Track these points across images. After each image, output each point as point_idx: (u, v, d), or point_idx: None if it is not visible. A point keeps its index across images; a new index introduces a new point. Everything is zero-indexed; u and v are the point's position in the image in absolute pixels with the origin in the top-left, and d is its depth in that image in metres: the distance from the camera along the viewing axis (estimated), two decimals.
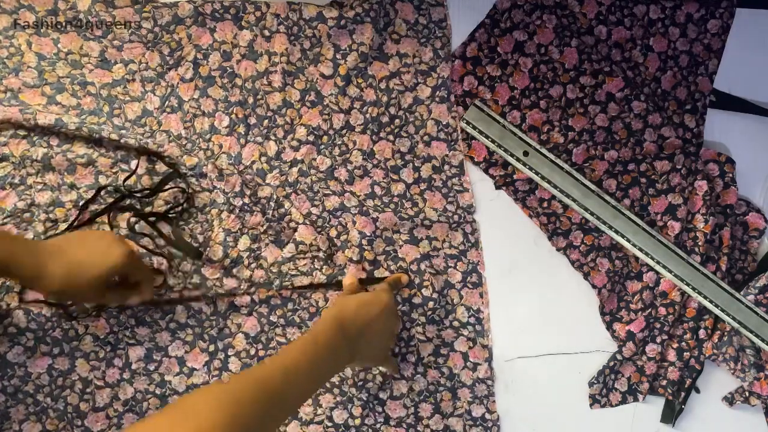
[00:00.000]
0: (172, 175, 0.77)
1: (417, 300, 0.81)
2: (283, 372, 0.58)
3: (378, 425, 0.81)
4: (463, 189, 0.83)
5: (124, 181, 0.75)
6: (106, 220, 0.76)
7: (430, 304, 0.82)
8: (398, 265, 0.82)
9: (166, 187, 0.77)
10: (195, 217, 0.78)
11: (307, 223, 0.79)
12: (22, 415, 0.75)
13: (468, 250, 0.83)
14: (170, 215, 0.77)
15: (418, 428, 0.82)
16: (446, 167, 0.83)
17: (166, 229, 0.77)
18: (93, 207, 0.76)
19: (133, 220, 0.76)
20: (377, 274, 0.81)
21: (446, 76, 0.83)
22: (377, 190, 0.82)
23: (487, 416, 0.83)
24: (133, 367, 0.77)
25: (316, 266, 0.79)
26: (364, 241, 0.80)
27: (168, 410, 0.52)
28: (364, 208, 0.81)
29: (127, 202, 0.76)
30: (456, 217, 0.83)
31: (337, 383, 0.80)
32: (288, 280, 0.79)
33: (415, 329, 0.82)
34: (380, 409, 0.82)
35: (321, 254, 0.79)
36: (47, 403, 0.76)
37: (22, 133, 0.74)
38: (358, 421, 0.80)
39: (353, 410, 0.80)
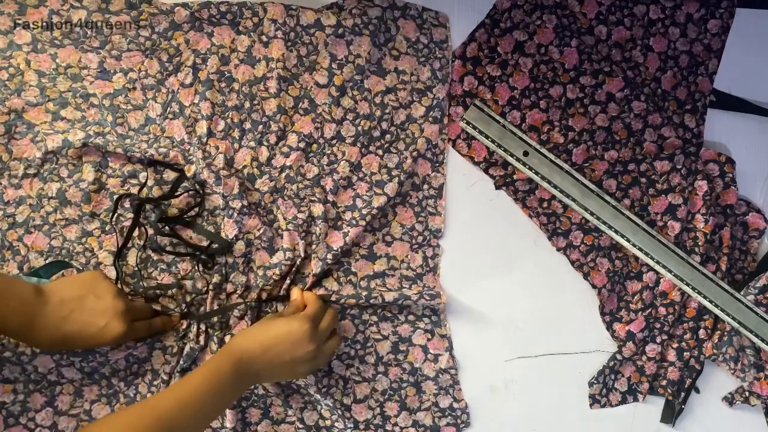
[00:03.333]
0: (181, 179, 0.77)
1: (364, 303, 0.80)
2: (185, 403, 0.60)
3: (348, 431, 0.81)
4: (436, 212, 0.83)
5: (138, 192, 0.76)
6: (137, 233, 0.76)
7: (379, 308, 0.81)
8: (348, 278, 0.81)
9: (179, 191, 0.77)
10: (207, 220, 0.78)
11: (290, 228, 0.79)
12: (94, 395, 0.76)
13: (425, 273, 0.83)
14: (186, 218, 0.77)
15: (387, 428, 0.82)
16: (425, 186, 0.83)
17: (184, 233, 0.77)
18: (121, 225, 0.76)
19: (160, 225, 0.76)
20: (325, 282, 0.80)
21: (441, 98, 0.82)
22: (359, 203, 0.81)
23: (455, 405, 0.83)
24: (183, 365, 0.77)
25: (291, 271, 0.79)
26: (329, 256, 0.79)
27: None
28: (339, 223, 0.81)
29: (142, 214, 0.76)
30: (420, 239, 0.83)
31: (303, 386, 0.79)
32: (269, 285, 0.78)
33: (369, 330, 0.82)
34: (348, 415, 0.81)
35: (298, 261, 0.79)
36: (120, 387, 0.76)
37: (32, 171, 0.75)
38: (329, 422, 0.80)
39: (323, 412, 0.80)
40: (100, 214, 0.76)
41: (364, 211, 0.81)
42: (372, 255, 0.82)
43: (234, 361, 0.66)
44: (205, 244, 0.78)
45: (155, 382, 0.77)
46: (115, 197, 0.76)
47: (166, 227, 0.77)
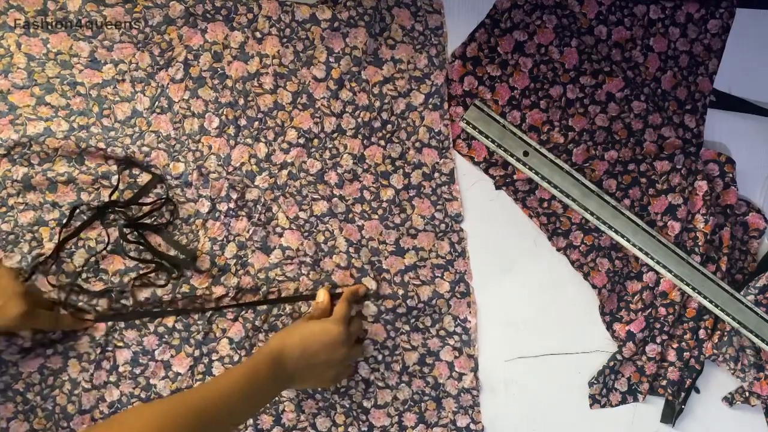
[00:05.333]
0: (153, 181, 0.76)
1: (401, 310, 0.81)
2: (220, 398, 0.59)
3: None
4: (452, 197, 0.83)
5: (110, 196, 0.75)
6: (93, 236, 0.75)
7: (414, 312, 0.81)
8: (382, 276, 0.81)
9: (149, 201, 0.76)
10: (180, 229, 0.77)
11: (294, 227, 0.78)
12: (10, 413, 0.75)
13: (455, 259, 0.83)
14: (156, 225, 0.76)
15: None
16: (436, 175, 0.82)
17: (153, 239, 0.76)
18: (76, 224, 0.75)
19: (126, 230, 0.75)
20: (364, 282, 0.80)
21: (440, 84, 0.82)
22: (366, 194, 0.81)
23: (472, 426, 0.83)
24: (120, 369, 0.77)
25: (302, 272, 0.79)
26: (351, 249, 0.80)
27: (104, 426, 0.53)
28: (350, 215, 0.80)
29: (111, 216, 0.75)
30: (443, 226, 0.82)
31: (319, 389, 0.80)
32: (275, 287, 0.78)
33: (399, 338, 0.82)
34: (364, 418, 0.81)
35: (308, 259, 0.79)
36: (36, 402, 0.75)
37: (1, 151, 0.73)
38: (341, 429, 0.80)
39: (336, 418, 0.80)
40: (62, 206, 0.75)
41: (374, 204, 0.81)
42: (400, 250, 0.82)
43: (272, 360, 0.66)
44: (172, 253, 0.77)
45: (75, 392, 0.76)
46: (74, 206, 0.74)
47: (134, 232, 0.75)
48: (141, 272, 0.75)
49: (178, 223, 0.77)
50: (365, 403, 0.81)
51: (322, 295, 0.77)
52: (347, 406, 0.80)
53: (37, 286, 0.74)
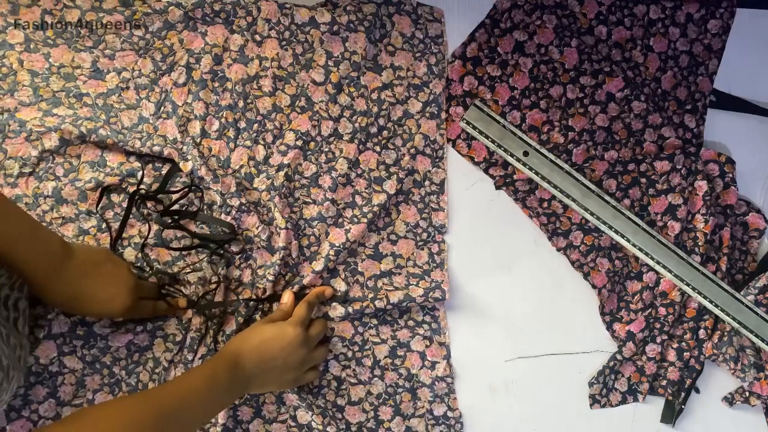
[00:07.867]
0: (173, 170, 0.76)
1: (369, 311, 0.80)
2: (181, 399, 0.60)
3: None
4: (439, 208, 0.83)
5: (137, 188, 0.75)
6: (135, 233, 0.75)
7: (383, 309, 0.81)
8: (355, 278, 0.81)
9: (176, 185, 0.77)
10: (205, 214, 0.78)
11: (288, 227, 0.79)
12: (96, 384, 0.75)
13: (432, 270, 0.82)
14: (190, 212, 0.77)
15: None
16: (427, 183, 0.83)
17: (190, 227, 0.77)
18: (115, 226, 0.76)
19: (167, 219, 0.75)
20: (333, 283, 0.80)
21: (438, 93, 0.82)
22: (358, 200, 0.81)
23: (449, 414, 0.83)
24: (186, 355, 0.77)
25: (282, 272, 0.79)
26: (331, 252, 0.79)
27: (67, 422, 0.54)
28: (340, 220, 0.80)
29: (146, 211, 0.76)
30: (425, 235, 0.82)
31: (295, 389, 0.79)
32: (262, 284, 0.78)
33: (368, 332, 0.81)
34: (340, 416, 0.81)
35: (290, 261, 0.79)
36: (121, 376, 0.76)
37: (27, 170, 0.74)
38: (320, 427, 0.80)
39: (314, 417, 0.80)
40: (96, 212, 0.76)
41: (365, 209, 0.81)
42: (378, 254, 0.82)
43: (231, 364, 0.66)
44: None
45: (156, 370, 0.76)
46: (102, 187, 0.74)
47: (170, 221, 0.76)
48: (189, 262, 0.76)
49: (203, 209, 0.78)
50: (339, 401, 0.81)
51: (287, 297, 0.77)
52: (322, 405, 0.80)
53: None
